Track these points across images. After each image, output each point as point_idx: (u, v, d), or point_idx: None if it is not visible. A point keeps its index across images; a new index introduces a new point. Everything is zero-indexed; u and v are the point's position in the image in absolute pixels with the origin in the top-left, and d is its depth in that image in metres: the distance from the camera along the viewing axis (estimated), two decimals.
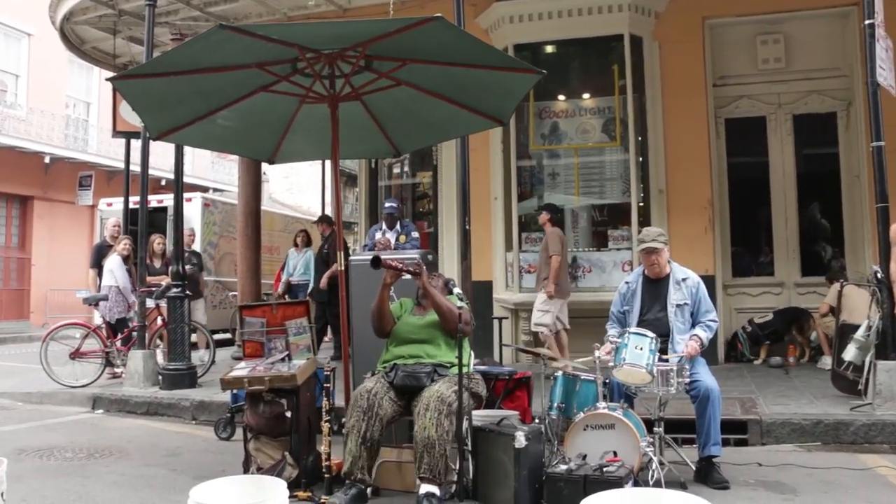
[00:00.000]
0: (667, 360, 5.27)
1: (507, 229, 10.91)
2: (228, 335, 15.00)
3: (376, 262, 4.84)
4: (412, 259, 6.24)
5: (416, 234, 9.01)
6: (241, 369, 5.74)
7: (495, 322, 9.85)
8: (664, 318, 5.64)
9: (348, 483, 4.80)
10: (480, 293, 9.98)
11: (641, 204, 10.48)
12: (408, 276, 5.12)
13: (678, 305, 5.62)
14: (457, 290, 4.93)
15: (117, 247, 10.46)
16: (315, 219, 13.08)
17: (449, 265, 11.10)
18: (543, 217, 9.44)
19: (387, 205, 9.38)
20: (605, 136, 10.71)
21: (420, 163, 12.70)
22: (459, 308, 4.72)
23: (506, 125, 6.48)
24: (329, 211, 18.17)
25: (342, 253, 5.75)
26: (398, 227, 9.12)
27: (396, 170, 13.03)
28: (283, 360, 5.89)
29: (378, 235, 9.12)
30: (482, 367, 6.11)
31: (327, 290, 10.83)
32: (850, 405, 7.00)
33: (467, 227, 7.54)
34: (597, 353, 5.32)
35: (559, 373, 5.42)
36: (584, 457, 4.93)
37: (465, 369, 4.63)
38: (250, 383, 5.54)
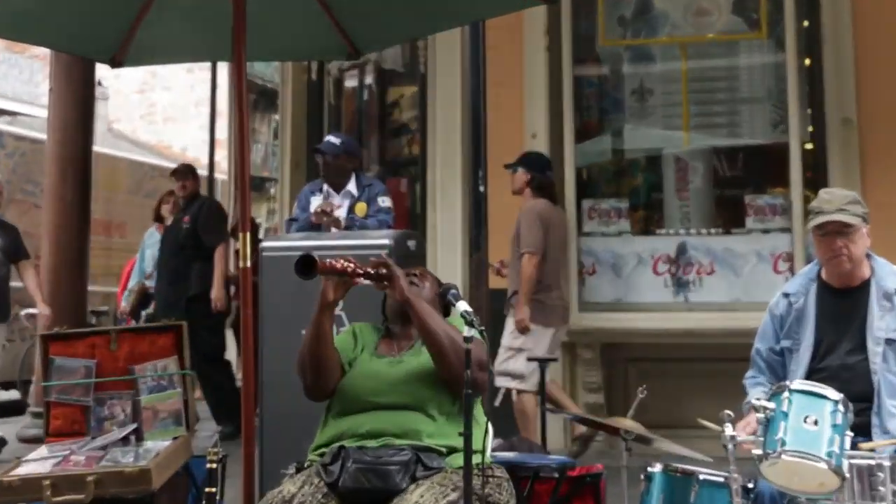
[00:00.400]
0: (870, 450, 3.59)
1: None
2: (13, 394, 10.68)
3: (307, 265, 3.43)
4: (377, 249, 4.76)
5: (386, 202, 6.45)
6: (38, 461, 4.38)
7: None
8: (862, 365, 3.99)
9: None
10: (502, 311, 7.24)
11: (810, 146, 7.94)
12: (366, 283, 3.62)
13: (890, 341, 3.97)
14: (463, 304, 3.40)
15: None
16: (183, 169, 9.24)
17: (447, 259, 8.10)
18: (519, 179, 7.17)
19: (329, 140, 6.66)
20: (740, 21, 8.11)
21: (397, 74, 9.80)
22: (468, 339, 3.20)
23: (555, 2, 5.35)
24: (223, 157, 14.10)
25: (247, 237, 4.21)
26: (353, 185, 6.52)
27: (352, 82, 10.06)
28: (125, 440, 4.52)
29: (316, 201, 6.49)
30: (509, 456, 4.57)
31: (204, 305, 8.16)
32: None
33: (482, 188, 5.78)
34: (728, 431, 3.56)
35: (656, 466, 3.81)
36: None
37: (477, 458, 3.23)
38: (55, 490, 4.09)
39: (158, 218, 9.42)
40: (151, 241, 9.40)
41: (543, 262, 6.94)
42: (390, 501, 3.28)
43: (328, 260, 3.43)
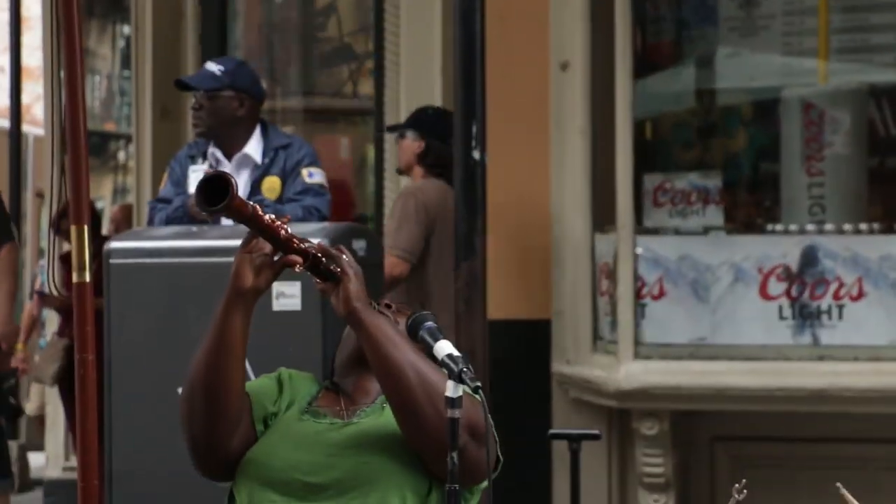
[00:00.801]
0: None
1: (598, 162, 6.75)
2: None
3: (216, 191, 2.87)
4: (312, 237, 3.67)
5: (315, 176, 5.55)
6: None
7: (559, 447, 6.06)
8: None
9: None
10: (517, 358, 6.68)
11: None
12: (302, 272, 3.13)
13: None
14: (445, 345, 2.91)
15: None
16: None
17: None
18: (407, 149, 6.51)
19: (206, 68, 5.78)
20: None
21: None
22: (452, 402, 2.78)
23: None
24: (37, 98, 13.80)
25: (83, 232, 3.33)
26: (254, 146, 5.65)
27: None
28: None
29: (197, 174, 5.55)
30: None
31: None
32: None
33: (477, 154, 5.07)
34: None
35: None
36: None
37: None
38: None
39: None
40: None
41: (422, 274, 6.35)
42: None
43: (254, 204, 3.02)
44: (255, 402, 3.20)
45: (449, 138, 6.30)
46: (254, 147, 5.64)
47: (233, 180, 2.91)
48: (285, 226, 3.07)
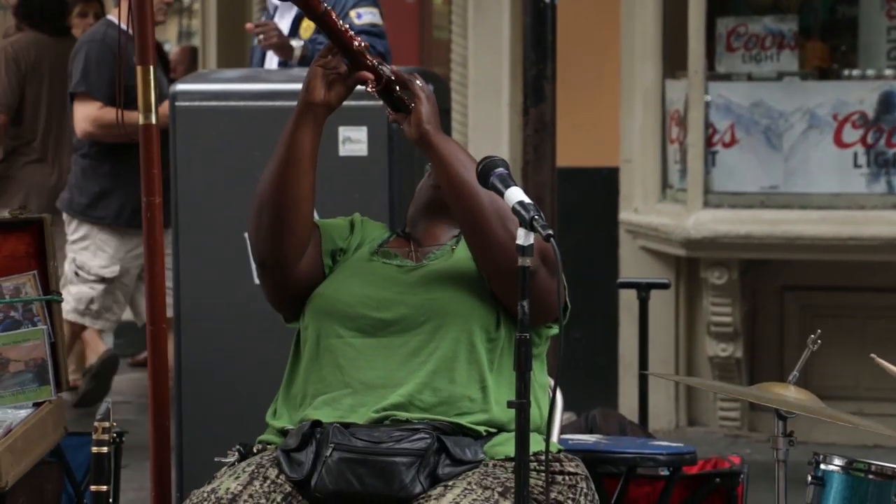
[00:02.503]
0: None
1: (669, 5, 6.73)
2: None
3: None
4: (356, 101, 3.58)
5: (368, 15, 5.35)
6: None
7: (627, 296, 6.32)
8: None
9: None
10: (584, 206, 6.81)
11: None
12: (372, 92, 3.06)
13: None
14: (516, 192, 2.80)
15: None
16: None
17: (486, 115, 7.20)
18: None
19: None
20: None
21: None
22: (523, 250, 2.72)
23: None
24: None
25: (150, 73, 3.49)
26: None
27: None
28: None
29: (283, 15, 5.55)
30: (587, 441, 4.20)
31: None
32: None
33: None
34: None
35: (833, 462, 3.32)
36: None
37: (537, 444, 2.90)
38: None
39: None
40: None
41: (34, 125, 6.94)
42: None
43: (329, 8, 3.06)
44: (324, 234, 3.25)
45: None
46: None
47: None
48: (358, 39, 3.04)
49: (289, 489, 3.04)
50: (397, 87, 3.10)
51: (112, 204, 6.22)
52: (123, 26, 5.84)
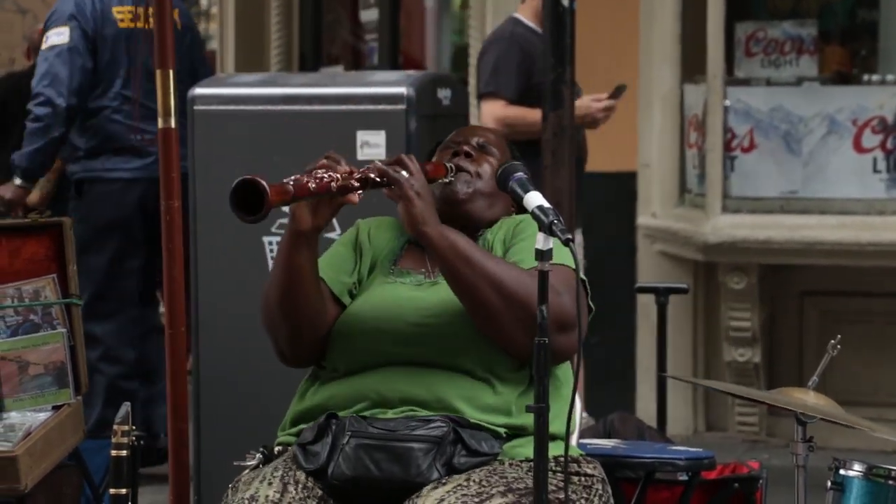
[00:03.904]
0: None
1: (689, 9, 6.79)
2: None
3: (250, 195, 2.81)
4: (383, 105, 4.45)
5: (56, 36, 5.45)
6: None
7: (645, 301, 6.45)
8: None
9: None
10: (602, 211, 6.84)
11: None
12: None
13: None
14: (535, 197, 2.84)
15: None
16: None
17: None
18: None
19: None
20: None
21: None
22: (542, 254, 2.71)
23: None
24: None
25: (169, 77, 3.55)
26: None
27: None
28: None
29: None
30: (606, 445, 4.25)
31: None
32: None
33: (565, 2, 4.81)
34: None
35: (853, 468, 3.28)
36: None
37: (556, 448, 2.96)
38: None
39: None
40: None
41: None
42: (407, 498, 2.99)
43: (293, 178, 2.88)
44: (332, 284, 3.21)
45: None
46: None
47: (261, 183, 2.81)
48: (337, 175, 2.97)
49: (320, 493, 3.03)
50: (384, 181, 3.04)
51: None
52: (531, 24, 5.79)
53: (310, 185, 2.90)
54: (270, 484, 3.03)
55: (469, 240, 3.11)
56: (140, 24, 5.81)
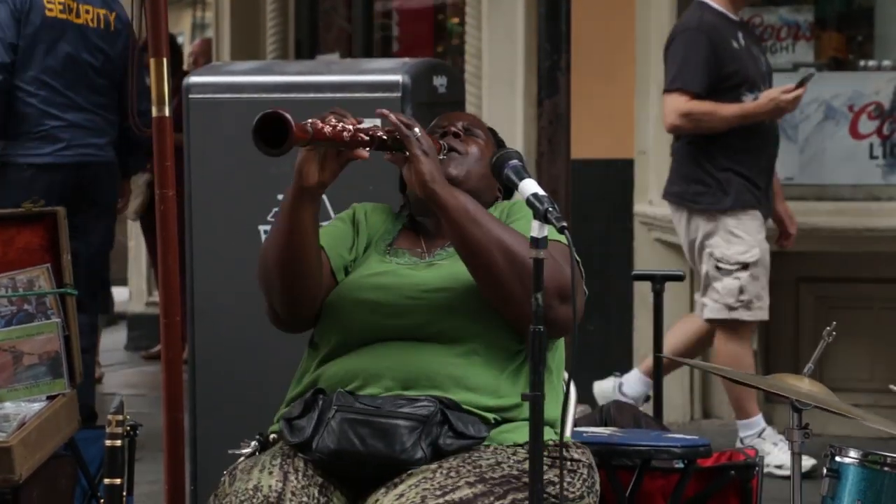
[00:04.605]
0: None
1: None
2: None
3: (275, 129, 2.84)
4: (381, 92, 4.24)
5: None
6: None
7: (642, 288, 6.26)
8: None
9: None
10: (599, 198, 6.84)
11: None
12: (372, 151, 3.05)
13: None
14: (530, 184, 2.82)
15: None
16: None
17: (500, 106, 6.90)
18: None
19: None
20: None
21: None
22: (538, 242, 2.72)
23: None
24: None
25: (162, 66, 3.66)
26: None
27: None
28: None
29: None
30: (601, 433, 4.21)
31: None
32: None
33: None
34: None
35: (849, 455, 3.28)
36: None
37: (553, 434, 2.99)
38: None
39: None
40: None
41: None
42: (390, 481, 2.96)
43: (310, 120, 2.91)
44: (331, 256, 3.21)
45: None
46: None
47: (286, 116, 2.85)
48: (343, 124, 2.98)
49: (321, 480, 3.01)
50: (390, 142, 3.05)
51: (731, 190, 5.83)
52: (721, 9, 5.56)
53: (325, 129, 2.89)
54: (271, 473, 3.00)
55: (476, 201, 3.08)
56: (70, 18, 5.78)
